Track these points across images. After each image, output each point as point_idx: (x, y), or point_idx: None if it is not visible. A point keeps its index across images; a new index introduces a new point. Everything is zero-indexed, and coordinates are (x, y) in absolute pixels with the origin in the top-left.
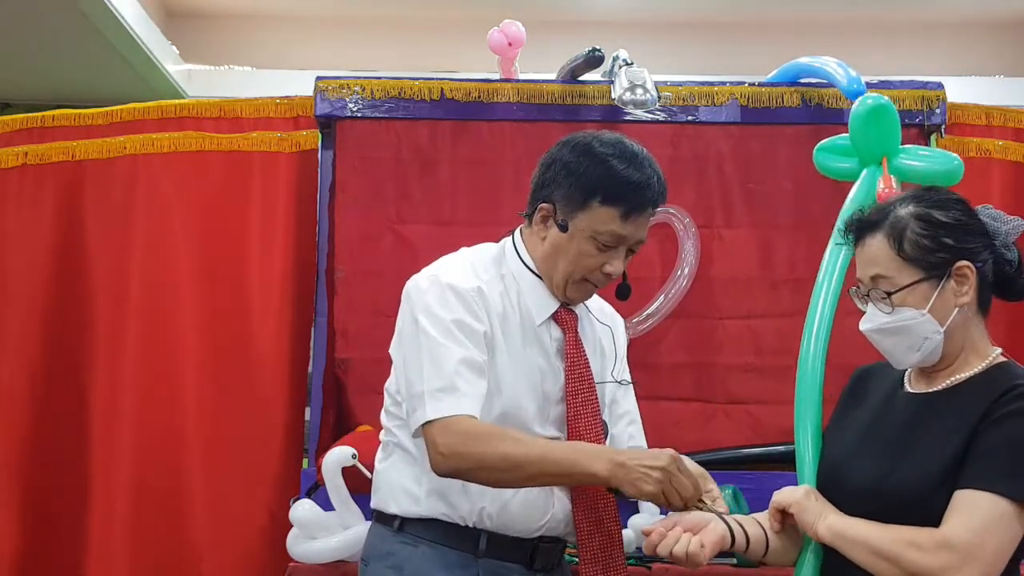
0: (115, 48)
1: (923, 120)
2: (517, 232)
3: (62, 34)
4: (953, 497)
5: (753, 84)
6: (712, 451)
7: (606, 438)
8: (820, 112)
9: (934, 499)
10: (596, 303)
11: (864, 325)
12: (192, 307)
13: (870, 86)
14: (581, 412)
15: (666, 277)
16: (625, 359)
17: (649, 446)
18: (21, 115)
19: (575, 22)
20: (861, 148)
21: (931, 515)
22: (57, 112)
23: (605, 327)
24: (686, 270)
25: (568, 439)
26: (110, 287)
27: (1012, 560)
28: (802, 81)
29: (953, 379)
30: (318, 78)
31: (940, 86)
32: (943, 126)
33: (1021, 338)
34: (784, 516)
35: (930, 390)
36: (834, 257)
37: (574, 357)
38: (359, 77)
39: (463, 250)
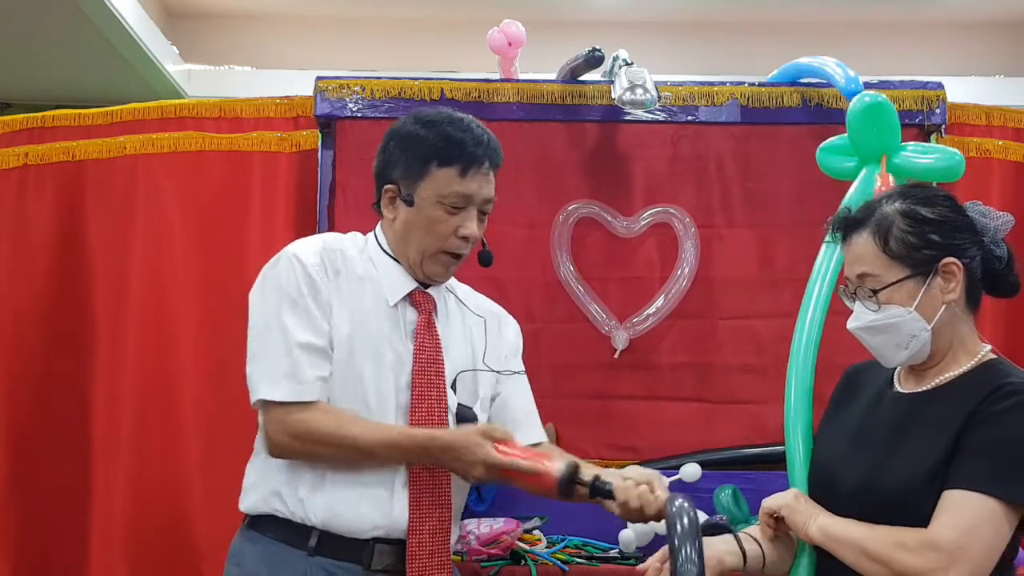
0: (115, 48)
1: (923, 120)
2: (377, 226)
3: (62, 34)
4: (941, 497)
5: (753, 84)
6: (712, 451)
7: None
8: (820, 112)
9: (923, 499)
10: (482, 301)
11: (851, 323)
12: (192, 308)
13: (870, 86)
14: (426, 395)
15: (666, 277)
16: (513, 353)
17: (649, 446)
18: (21, 115)
19: (575, 22)
20: (860, 146)
21: (920, 515)
22: (57, 112)
23: (479, 318)
24: (686, 270)
25: (411, 424)
26: (110, 287)
27: (1006, 560)
28: (802, 81)
29: (942, 377)
30: (318, 78)
31: (940, 86)
32: (943, 126)
33: (1020, 338)
34: (776, 521)
35: (919, 389)
36: (827, 257)
37: (424, 339)
38: (359, 77)
39: (334, 233)
